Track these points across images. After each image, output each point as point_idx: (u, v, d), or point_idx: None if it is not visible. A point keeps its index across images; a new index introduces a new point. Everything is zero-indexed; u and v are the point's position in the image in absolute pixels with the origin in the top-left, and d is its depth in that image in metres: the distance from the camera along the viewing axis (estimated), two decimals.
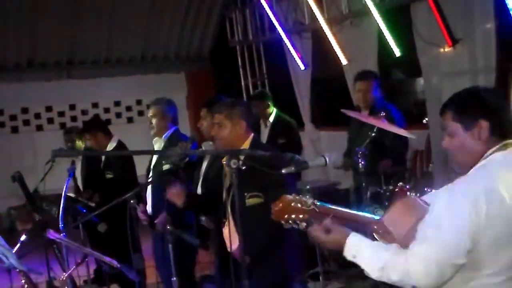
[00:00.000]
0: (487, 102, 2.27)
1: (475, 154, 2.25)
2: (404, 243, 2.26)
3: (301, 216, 2.32)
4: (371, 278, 2.27)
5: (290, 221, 2.32)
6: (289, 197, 2.34)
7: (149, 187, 4.90)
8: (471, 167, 2.25)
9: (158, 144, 4.99)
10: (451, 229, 2.10)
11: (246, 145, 3.57)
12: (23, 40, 9.73)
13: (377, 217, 2.48)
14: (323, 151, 9.13)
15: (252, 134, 3.67)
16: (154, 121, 4.96)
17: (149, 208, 4.90)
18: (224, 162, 2.71)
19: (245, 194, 3.36)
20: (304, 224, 2.33)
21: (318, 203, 2.33)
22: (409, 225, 2.29)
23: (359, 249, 2.26)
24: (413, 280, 2.13)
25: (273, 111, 6.90)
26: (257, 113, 6.78)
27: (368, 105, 5.66)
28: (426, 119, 7.98)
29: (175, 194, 3.59)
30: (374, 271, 2.22)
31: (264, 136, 6.77)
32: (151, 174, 4.87)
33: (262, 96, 7.04)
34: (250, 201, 3.36)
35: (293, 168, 2.79)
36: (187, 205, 3.67)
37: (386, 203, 4.76)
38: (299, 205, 2.32)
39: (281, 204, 2.34)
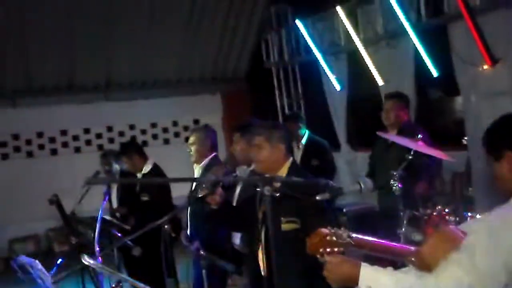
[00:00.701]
0: (507, 132, 2.23)
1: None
2: None
3: (336, 249, 2.28)
4: None
5: (326, 255, 2.28)
6: (325, 230, 2.31)
7: (189, 213, 4.92)
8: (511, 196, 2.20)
9: (197, 170, 5.04)
10: (487, 260, 2.03)
11: (284, 169, 3.55)
12: (62, 63, 9.91)
13: (413, 248, 2.42)
14: (359, 173, 9.01)
15: (291, 159, 3.64)
16: (193, 148, 5.05)
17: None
18: (257, 189, 2.68)
19: (281, 218, 3.32)
20: (339, 257, 2.29)
21: (353, 236, 2.29)
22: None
23: (374, 279, 2.20)
24: None
25: (305, 133, 6.85)
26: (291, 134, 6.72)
27: (393, 125, 5.61)
28: (466, 138, 7.83)
29: (215, 195, 3.57)
30: None
31: (297, 158, 6.68)
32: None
33: (296, 118, 6.99)
34: (285, 226, 3.32)
35: (327, 195, 2.74)
36: (221, 210, 3.63)
37: (424, 227, 4.67)
38: (334, 238, 2.28)
39: (316, 238, 2.30)
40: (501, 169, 2.23)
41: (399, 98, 5.71)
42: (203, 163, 5.04)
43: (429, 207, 4.77)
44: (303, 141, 6.82)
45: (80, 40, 9.64)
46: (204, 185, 3.55)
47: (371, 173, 5.73)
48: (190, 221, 4.92)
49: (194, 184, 4.84)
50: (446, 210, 4.64)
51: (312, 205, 3.10)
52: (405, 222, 4.83)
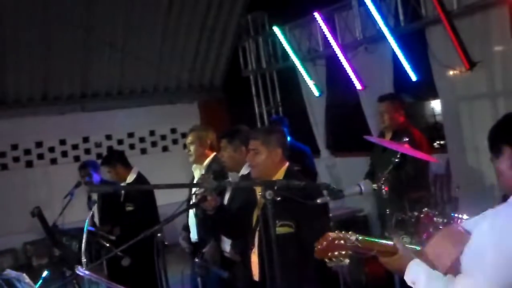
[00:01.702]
0: (507, 128, 2.26)
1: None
2: (449, 273, 2.19)
3: (344, 252, 2.27)
4: None
5: (334, 259, 2.27)
6: (332, 234, 2.30)
7: (192, 216, 4.83)
8: None
9: (197, 171, 4.99)
10: (497, 259, 2.02)
11: (281, 173, 3.51)
12: (37, 74, 9.76)
13: (418, 248, 2.42)
14: (339, 178, 9.08)
15: (288, 163, 3.60)
16: (192, 148, 4.98)
17: (193, 235, 4.89)
18: (259, 193, 2.66)
19: (276, 222, 3.28)
20: (347, 260, 2.28)
21: (360, 238, 2.29)
22: (453, 256, 2.22)
23: (417, 274, 2.24)
24: None
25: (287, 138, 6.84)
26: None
27: (388, 127, 5.63)
28: (437, 142, 7.91)
29: (209, 200, 3.51)
30: None
31: None
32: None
33: (281, 122, 6.98)
34: (280, 230, 3.25)
35: (328, 198, 2.73)
36: (216, 215, 3.58)
37: (412, 230, 4.69)
38: (342, 242, 2.27)
39: (324, 243, 2.29)
40: (502, 166, 2.24)
41: (392, 99, 5.72)
42: (205, 163, 4.96)
43: (416, 209, 4.81)
44: None
45: (54, 50, 9.50)
46: (199, 191, 3.50)
47: (369, 175, 5.69)
48: (197, 224, 4.87)
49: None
50: (433, 212, 4.68)
51: (308, 209, 3.07)
52: (393, 225, 4.85)
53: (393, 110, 5.56)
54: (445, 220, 4.56)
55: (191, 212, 4.97)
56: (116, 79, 10.52)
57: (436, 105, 11.03)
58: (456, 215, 4.54)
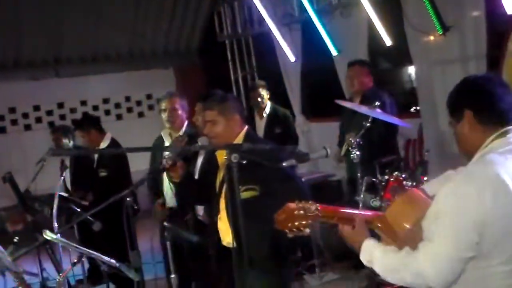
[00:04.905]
0: (469, 91, 2.29)
1: (473, 143, 2.26)
2: (409, 238, 2.23)
3: (304, 222, 2.31)
4: (365, 269, 2.27)
5: (294, 229, 2.31)
6: (292, 205, 2.33)
7: (167, 182, 4.81)
8: (473, 156, 2.25)
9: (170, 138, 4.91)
10: (458, 223, 2.07)
11: (240, 137, 3.48)
12: (8, 39, 9.59)
13: (379, 214, 2.45)
14: (315, 143, 9.13)
15: (246, 127, 3.59)
16: (175, 114, 4.85)
17: (170, 201, 4.86)
18: (225, 157, 2.65)
19: (240, 187, 3.27)
20: (307, 230, 2.32)
21: (320, 207, 2.33)
22: (413, 219, 2.26)
23: (371, 251, 2.26)
24: (426, 280, 2.10)
25: (267, 103, 6.87)
26: (253, 104, 6.77)
27: (357, 92, 5.67)
28: (414, 108, 7.97)
29: (177, 166, 3.51)
30: (388, 274, 2.22)
31: (261, 128, 6.75)
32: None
33: (259, 87, 6.97)
34: (244, 194, 3.23)
35: (294, 161, 2.75)
36: (182, 182, 3.59)
37: (382, 193, 4.76)
38: (302, 212, 2.30)
39: (284, 214, 2.32)
40: (463, 129, 2.28)
41: (361, 64, 5.76)
42: (182, 130, 4.86)
43: (386, 173, 4.87)
44: (267, 110, 6.83)
45: (26, 13, 9.31)
46: (167, 156, 3.51)
47: (342, 141, 5.75)
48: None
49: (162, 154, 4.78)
50: (403, 175, 4.74)
51: (273, 172, 3.07)
52: (363, 188, 4.91)
53: (362, 75, 5.60)
54: (414, 184, 4.64)
55: (166, 178, 4.91)
56: (90, 43, 10.37)
57: (412, 70, 11.06)
58: (425, 178, 4.63)
